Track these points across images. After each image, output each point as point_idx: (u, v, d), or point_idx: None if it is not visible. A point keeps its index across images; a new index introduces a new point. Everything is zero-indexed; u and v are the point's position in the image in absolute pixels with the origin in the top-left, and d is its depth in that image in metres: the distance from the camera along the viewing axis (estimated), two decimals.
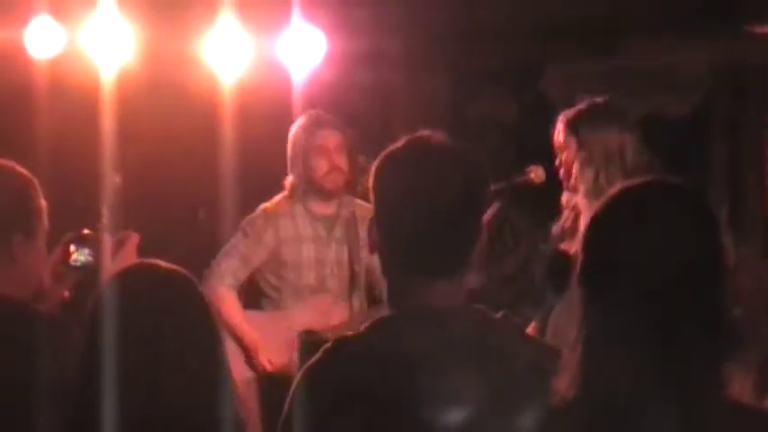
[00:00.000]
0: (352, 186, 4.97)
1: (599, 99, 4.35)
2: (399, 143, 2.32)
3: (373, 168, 2.33)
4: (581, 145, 4.24)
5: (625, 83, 6.33)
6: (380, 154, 2.34)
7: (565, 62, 6.74)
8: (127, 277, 2.39)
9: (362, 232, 4.90)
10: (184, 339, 2.29)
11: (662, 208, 1.97)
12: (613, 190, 2.03)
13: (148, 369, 2.26)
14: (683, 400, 1.88)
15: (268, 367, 4.87)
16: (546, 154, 4.80)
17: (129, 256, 3.07)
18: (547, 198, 4.54)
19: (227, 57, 5.47)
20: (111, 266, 3.03)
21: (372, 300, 4.99)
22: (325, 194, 4.92)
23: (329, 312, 4.88)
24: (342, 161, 4.90)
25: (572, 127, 4.28)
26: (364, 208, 4.92)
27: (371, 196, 2.33)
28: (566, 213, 4.37)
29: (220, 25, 5.43)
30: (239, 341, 4.87)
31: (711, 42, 5.93)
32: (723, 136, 5.93)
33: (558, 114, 4.45)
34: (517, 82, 7.00)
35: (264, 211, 4.97)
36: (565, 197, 4.35)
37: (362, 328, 2.27)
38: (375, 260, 5.03)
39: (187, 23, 5.53)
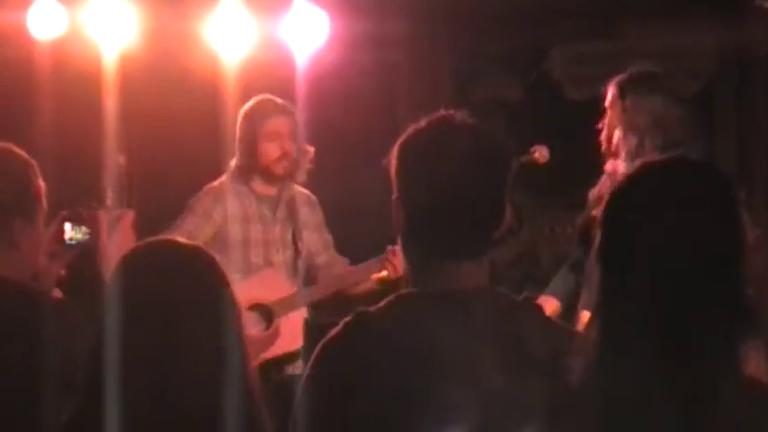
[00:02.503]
0: (294, 174, 5.04)
1: (650, 67, 4.32)
2: (422, 122, 2.30)
3: (396, 148, 2.30)
4: (626, 110, 4.21)
5: (629, 64, 6.30)
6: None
7: (569, 43, 6.71)
8: (143, 254, 2.35)
9: (302, 215, 5.03)
10: (200, 316, 2.26)
11: (683, 187, 1.95)
12: (634, 167, 2.01)
13: (164, 348, 2.23)
14: (700, 380, 1.87)
15: None
16: (550, 135, 4.78)
17: (126, 234, 3.06)
18: (551, 179, 4.53)
19: (230, 37, 5.45)
20: (107, 244, 3.02)
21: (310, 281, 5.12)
22: (273, 179, 5.01)
23: (275, 285, 4.93)
24: (291, 147, 4.98)
25: (620, 90, 4.25)
26: (300, 192, 5.11)
27: (394, 177, 2.30)
28: (603, 179, 4.34)
29: (223, 6, 5.41)
30: None
31: (716, 22, 5.91)
32: (729, 116, 5.91)
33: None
34: (522, 63, 6.98)
35: (212, 189, 5.03)
36: (609, 165, 4.31)
37: (384, 303, 2.26)
38: (313, 242, 5.17)
39: (190, 5, 5.51)
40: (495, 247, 2.30)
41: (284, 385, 4.56)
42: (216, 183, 5.05)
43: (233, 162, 5.05)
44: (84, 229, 3.07)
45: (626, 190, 1.99)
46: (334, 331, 2.28)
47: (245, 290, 4.87)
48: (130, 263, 2.32)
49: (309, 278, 5.13)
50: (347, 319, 2.28)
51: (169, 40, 5.63)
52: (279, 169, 4.97)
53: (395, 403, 2.16)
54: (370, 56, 6.22)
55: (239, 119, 5.04)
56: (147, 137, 5.94)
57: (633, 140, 4.17)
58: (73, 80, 5.57)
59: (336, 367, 2.23)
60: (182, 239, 2.42)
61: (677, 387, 1.88)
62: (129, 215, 3.12)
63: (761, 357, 3.27)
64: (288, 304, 4.95)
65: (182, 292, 2.28)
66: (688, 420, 1.87)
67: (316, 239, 5.12)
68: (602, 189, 4.35)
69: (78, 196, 3.33)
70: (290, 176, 5.03)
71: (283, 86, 5.34)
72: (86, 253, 3.04)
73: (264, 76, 5.50)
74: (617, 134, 4.22)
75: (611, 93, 4.28)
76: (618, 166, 4.23)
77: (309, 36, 5.55)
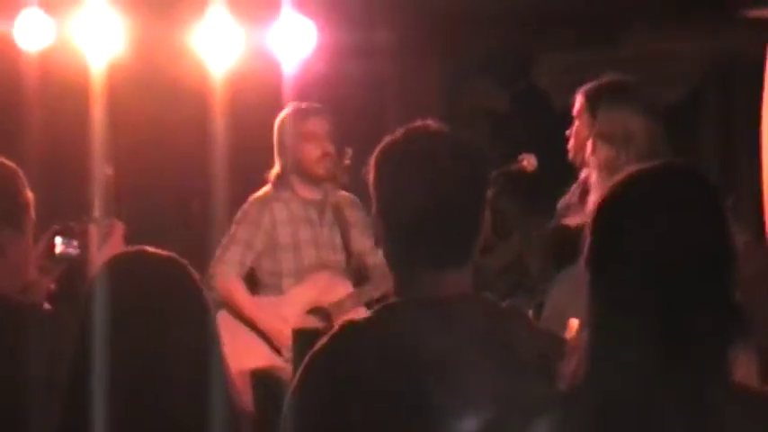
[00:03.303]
0: (336, 176, 5.04)
1: (621, 78, 4.31)
2: (397, 134, 2.32)
3: (373, 160, 2.32)
4: (599, 120, 4.19)
5: (615, 72, 6.32)
6: (377, 145, 2.33)
7: (555, 52, 6.73)
8: (120, 264, 2.36)
9: (349, 216, 4.99)
10: (179, 324, 2.28)
11: (672, 193, 1.95)
12: (624, 173, 2.02)
13: (143, 357, 2.24)
14: (691, 385, 1.88)
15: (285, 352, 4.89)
16: (537, 143, 4.78)
17: (116, 246, 3.06)
18: (538, 187, 4.53)
19: (217, 48, 5.45)
20: (97, 257, 3.02)
21: (362, 281, 5.13)
22: (315, 180, 5.03)
23: (331, 287, 4.94)
24: (331, 148, 5.00)
25: (591, 101, 4.23)
26: (344, 195, 5.12)
27: (372, 188, 2.31)
28: (574, 188, 4.35)
29: (211, 16, 5.41)
30: (255, 329, 4.89)
31: (703, 30, 5.93)
32: (715, 123, 5.93)
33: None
34: (508, 72, 6.99)
35: (256, 198, 5.04)
36: (583, 174, 4.31)
37: (370, 313, 2.28)
38: (362, 242, 5.19)
39: (178, 14, 5.51)
40: (482, 255, 2.31)
41: None
42: (259, 193, 5.06)
43: (274, 171, 5.04)
44: (74, 243, 3.07)
45: (616, 195, 1.99)
46: (321, 341, 2.28)
47: (301, 294, 4.91)
48: (108, 273, 2.33)
49: (362, 278, 5.14)
50: (335, 329, 2.29)
51: (157, 50, 5.63)
52: (320, 170, 5.00)
53: (385, 412, 2.17)
54: (358, 65, 6.23)
55: (276, 126, 5.04)
56: (135, 148, 5.93)
57: (604, 151, 4.17)
58: (60, 91, 5.57)
59: (325, 377, 2.23)
60: (153, 249, 2.42)
61: (668, 392, 1.88)
62: (119, 228, 3.12)
63: (750, 362, 3.28)
64: (345, 305, 4.98)
65: (158, 299, 2.29)
66: (679, 424, 1.88)
67: (365, 240, 5.12)
68: (572, 198, 4.36)
69: (68, 209, 3.33)
70: (332, 178, 5.05)
71: (271, 96, 5.35)
72: (77, 267, 3.04)
73: (252, 85, 5.51)
74: (588, 145, 4.23)
75: (578, 102, 4.29)
76: (590, 176, 4.24)
77: (297, 46, 5.55)
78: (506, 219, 5.59)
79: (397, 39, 6.38)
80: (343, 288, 5.01)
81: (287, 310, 4.94)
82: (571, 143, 4.32)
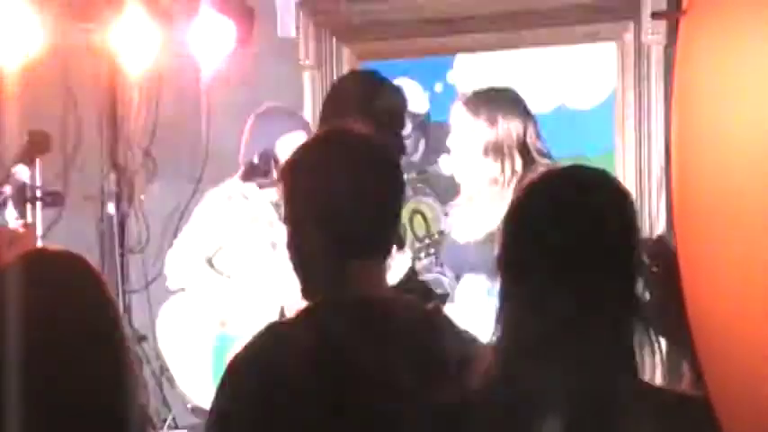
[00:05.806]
0: None
1: (497, 85, 4.39)
2: (315, 134, 2.37)
3: (289, 159, 2.37)
4: (485, 132, 4.24)
5: (533, 72, 6.37)
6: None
7: (474, 52, 6.77)
8: (21, 264, 2.37)
9: None
10: (81, 322, 2.28)
11: (578, 194, 2.01)
12: (533, 176, 2.07)
13: (46, 353, 2.24)
14: (599, 384, 1.91)
15: None
16: None
17: (28, 249, 3.04)
18: (457, 188, 4.57)
19: (134, 47, 5.42)
20: (7, 259, 3.00)
21: None
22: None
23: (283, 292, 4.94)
24: None
25: (475, 111, 4.28)
26: None
27: (287, 189, 2.36)
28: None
29: (128, 15, 5.37)
30: None
31: (616, 29, 6.01)
32: (630, 123, 6.00)
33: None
34: (427, 72, 7.01)
35: (220, 194, 4.95)
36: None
37: (294, 314, 2.31)
38: None
39: (94, 13, 5.46)
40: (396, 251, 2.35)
41: None
42: (223, 188, 4.94)
43: (242, 168, 4.91)
44: None
45: (527, 197, 2.04)
46: (247, 342, 2.32)
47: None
48: (7, 271, 2.33)
49: None
50: (261, 330, 2.33)
51: (72, 50, 5.58)
52: None
53: (308, 413, 2.19)
54: (277, 66, 6.21)
55: (252, 123, 4.92)
56: (48, 148, 5.86)
57: (498, 160, 4.23)
58: None
59: (249, 377, 2.25)
60: (55, 247, 2.41)
61: (575, 391, 1.91)
62: (32, 230, 3.10)
63: (657, 364, 3.33)
64: None
65: (58, 291, 2.30)
66: (588, 423, 1.90)
67: None
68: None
69: None
70: None
71: (190, 96, 5.32)
72: None
73: (170, 85, 5.48)
74: (476, 154, 4.30)
75: (464, 115, 4.36)
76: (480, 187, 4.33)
77: (215, 45, 5.54)
78: (426, 219, 5.62)
79: (315, 39, 6.37)
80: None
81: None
82: (461, 158, 4.33)
